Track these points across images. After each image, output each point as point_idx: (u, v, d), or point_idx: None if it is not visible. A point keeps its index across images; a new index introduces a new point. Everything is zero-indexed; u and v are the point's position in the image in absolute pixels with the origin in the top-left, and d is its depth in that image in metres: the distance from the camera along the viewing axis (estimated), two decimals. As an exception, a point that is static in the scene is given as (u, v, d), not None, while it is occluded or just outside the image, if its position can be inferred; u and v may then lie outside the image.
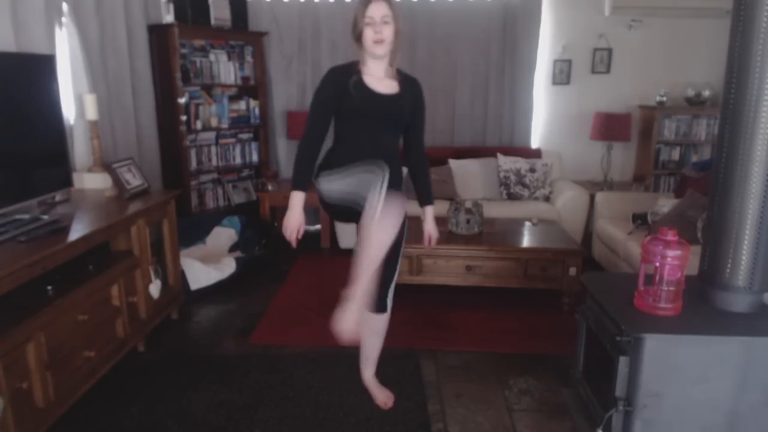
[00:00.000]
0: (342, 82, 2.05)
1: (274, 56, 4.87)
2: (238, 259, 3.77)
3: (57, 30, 3.06)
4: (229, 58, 4.63)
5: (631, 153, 5.14)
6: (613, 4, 4.64)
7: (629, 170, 5.13)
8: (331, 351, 2.86)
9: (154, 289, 2.90)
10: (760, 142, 1.77)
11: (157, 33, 4.04)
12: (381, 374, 2.50)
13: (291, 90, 4.94)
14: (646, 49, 4.91)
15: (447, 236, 3.50)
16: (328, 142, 2.17)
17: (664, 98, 4.82)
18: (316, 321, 3.24)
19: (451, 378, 2.66)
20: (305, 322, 3.22)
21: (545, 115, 5.10)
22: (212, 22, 4.32)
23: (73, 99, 3.26)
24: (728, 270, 1.88)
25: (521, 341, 3.02)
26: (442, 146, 4.96)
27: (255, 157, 5.01)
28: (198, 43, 4.39)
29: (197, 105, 4.46)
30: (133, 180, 3.07)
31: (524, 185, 4.59)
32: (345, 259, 4.16)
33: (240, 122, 4.79)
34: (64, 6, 3.17)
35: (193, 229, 4.12)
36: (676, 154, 4.98)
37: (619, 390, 1.85)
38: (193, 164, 4.49)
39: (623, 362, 1.83)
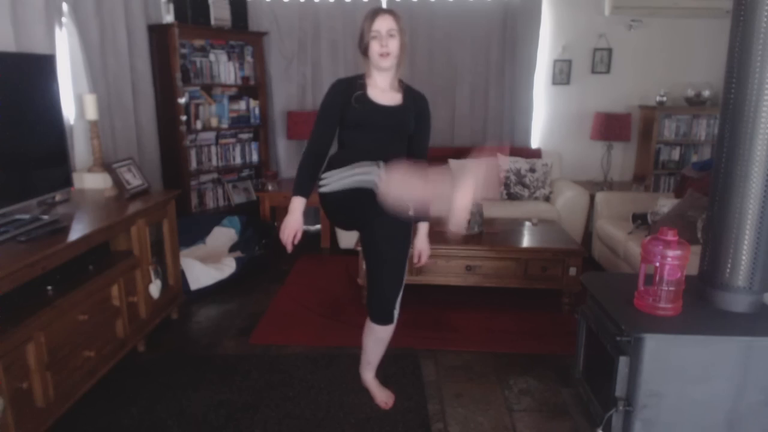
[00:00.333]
0: (346, 93, 2.09)
1: (274, 56, 4.87)
2: (238, 259, 3.77)
3: (57, 30, 3.06)
4: (229, 58, 4.63)
5: (631, 153, 5.14)
6: (613, 4, 4.64)
7: (629, 170, 5.13)
8: (331, 351, 2.86)
9: (154, 289, 2.90)
10: (760, 142, 1.77)
11: (157, 33, 4.04)
12: (381, 374, 2.51)
13: (291, 90, 4.94)
14: (646, 49, 4.91)
15: (447, 236, 3.49)
16: (333, 150, 2.18)
17: (664, 98, 4.82)
18: (316, 321, 3.24)
19: (451, 378, 2.66)
20: (305, 322, 3.22)
21: (545, 115, 5.10)
22: (212, 22, 4.32)
23: (73, 99, 3.26)
24: (728, 270, 1.88)
25: (521, 341, 3.02)
26: (442, 146, 4.96)
27: (255, 157, 5.01)
28: (198, 43, 4.39)
29: (197, 105, 4.46)
30: (133, 180, 3.07)
31: (524, 185, 4.60)
32: (345, 259, 4.20)
33: (240, 122, 4.79)
34: (64, 6, 3.17)
35: (193, 229, 4.12)
36: (676, 154, 4.98)
37: (619, 390, 1.85)
38: (193, 164, 4.49)
39: (623, 362, 1.83)
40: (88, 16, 3.33)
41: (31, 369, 2.00)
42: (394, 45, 2.04)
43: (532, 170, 4.61)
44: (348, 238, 4.32)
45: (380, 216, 2.02)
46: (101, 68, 3.46)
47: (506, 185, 4.60)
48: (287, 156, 5.06)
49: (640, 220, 3.70)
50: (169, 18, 4.11)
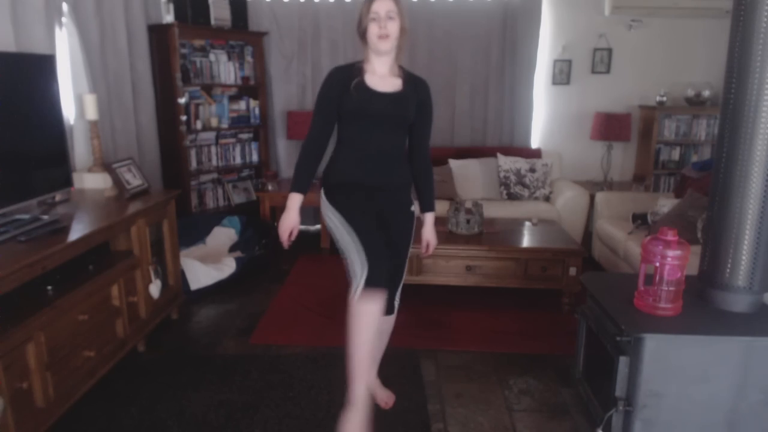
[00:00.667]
0: (343, 82, 2.03)
1: (274, 56, 4.87)
2: (238, 259, 3.77)
3: (57, 30, 3.06)
4: (229, 58, 4.63)
5: (631, 153, 5.14)
6: (613, 4, 4.64)
7: (629, 170, 5.13)
8: (331, 351, 2.86)
9: (154, 289, 2.90)
10: (760, 142, 1.77)
11: (157, 33, 4.04)
12: (381, 374, 2.50)
13: (291, 90, 4.94)
14: (646, 49, 4.91)
15: (447, 236, 3.50)
16: (333, 144, 2.16)
17: (664, 98, 4.82)
18: (316, 321, 3.24)
19: (451, 378, 2.66)
20: (305, 322, 3.22)
21: (545, 115, 5.10)
22: (212, 22, 4.32)
23: (73, 99, 3.26)
24: (728, 270, 1.88)
25: (521, 341, 3.02)
26: (442, 146, 4.96)
27: (255, 157, 5.01)
28: (198, 43, 4.39)
29: (197, 105, 4.46)
30: (133, 180, 3.07)
31: (524, 185, 4.59)
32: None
33: (240, 122, 4.79)
34: (64, 6, 3.16)
35: (193, 229, 4.12)
36: (676, 154, 4.98)
37: (619, 390, 1.85)
38: (193, 164, 4.49)
39: (623, 362, 1.83)
40: (88, 16, 3.33)
41: (31, 369, 2.00)
42: (393, 27, 1.97)
43: (532, 170, 4.61)
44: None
45: (382, 211, 2.04)
46: (101, 68, 3.46)
47: (506, 185, 4.61)
48: (287, 156, 5.06)
49: (640, 220, 3.70)
50: (169, 18, 4.11)
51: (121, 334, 2.62)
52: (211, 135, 4.66)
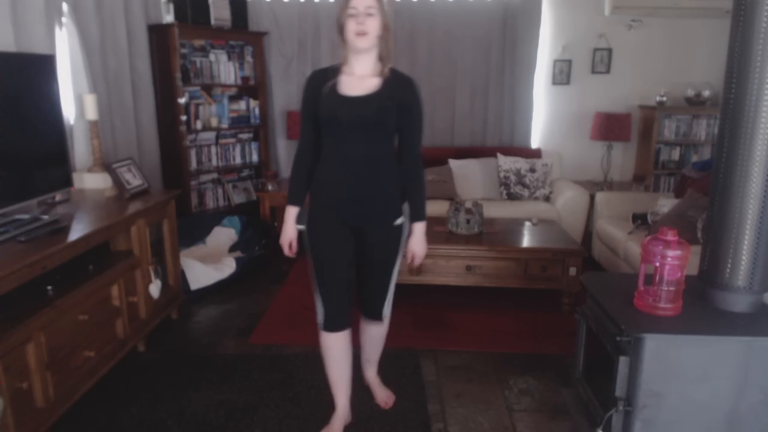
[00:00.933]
0: (318, 87, 1.95)
1: (274, 56, 4.87)
2: (238, 259, 3.77)
3: (57, 30, 3.06)
4: (229, 58, 4.63)
5: (631, 153, 5.14)
6: (613, 4, 4.64)
7: (629, 170, 5.13)
8: (331, 351, 2.86)
9: (154, 289, 2.90)
10: (760, 142, 1.77)
11: (157, 33, 4.04)
12: (381, 374, 2.51)
13: (291, 90, 4.93)
14: (645, 49, 4.91)
15: (447, 236, 3.50)
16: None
17: (664, 98, 4.82)
18: (316, 321, 3.23)
19: (451, 378, 2.66)
20: (305, 322, 3.21)
21: (545, 115, 5.10)
22: (212, 22, 4.32)
23: (73, 99, 3.26)
24: (728, 270, 1.88)
25: (521, 341, 3.02)
26: (442, 146, 4.96)
27: (255, 157, 5.01)
28: (198, 43, 4.39)
29: (197, 105, 4.46)
30: (133, 180, 3.07)
31: (524, 185, 4.59)
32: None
33: (240, 122, 4.78)
34: (64, 6, 3.17)
35: (193, 229, 4.12)
36: (676, 154, 4.98)
37: (619, 390, 1.85)
38: (193, 164, 4.49)
39: (623, 362, 1.82)
40: (88, 16, 3.33)
41: (31, 369, 2.00)
42: (372, 24, 1.85)
43: (532, 170, 4.61)
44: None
45: (366, 226, 2.04)
46: (101, 68, 3.46)
47: (506, 185, 4.60)
48: (287, 156, 5.05)
49: (640, 220, 3.70)
50: (169, 18, 4.11)
51: (121, 334, 2.62)
52: (211, 135, 4.66)
